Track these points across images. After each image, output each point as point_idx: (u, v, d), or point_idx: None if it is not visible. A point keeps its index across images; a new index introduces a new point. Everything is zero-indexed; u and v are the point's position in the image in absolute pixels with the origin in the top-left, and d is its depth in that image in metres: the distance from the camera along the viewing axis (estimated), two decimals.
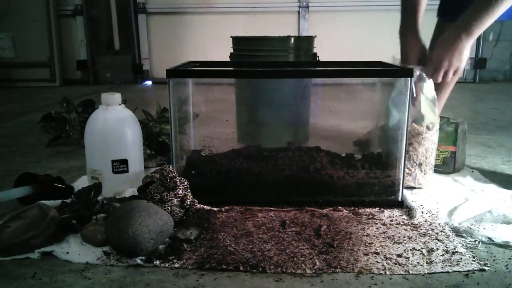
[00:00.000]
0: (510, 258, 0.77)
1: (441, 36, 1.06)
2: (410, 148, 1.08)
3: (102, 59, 3.45)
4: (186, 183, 0.93)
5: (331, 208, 0.98)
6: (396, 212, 0.97)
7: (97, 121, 1.05)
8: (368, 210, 0.97)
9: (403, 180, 0.99)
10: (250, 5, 3.31)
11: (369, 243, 0.82)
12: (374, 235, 0.85)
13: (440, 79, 1.06)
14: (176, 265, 0.75)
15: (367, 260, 0.76)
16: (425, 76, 1.06)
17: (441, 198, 1.03)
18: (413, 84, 1.03)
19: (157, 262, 0.75)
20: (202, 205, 0.97)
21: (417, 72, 1.05)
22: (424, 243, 0.82)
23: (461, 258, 0.77)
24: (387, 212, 0.96)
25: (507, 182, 1.13)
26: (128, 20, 3.38)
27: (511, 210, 0.94)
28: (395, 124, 1.03)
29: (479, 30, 1.02)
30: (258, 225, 0.89)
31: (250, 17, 3.34)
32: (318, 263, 0.75)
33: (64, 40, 3.40)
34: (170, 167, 0.89)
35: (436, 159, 1.13)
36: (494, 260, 0.77)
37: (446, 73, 1.05)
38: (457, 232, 0.87)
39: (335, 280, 0.71)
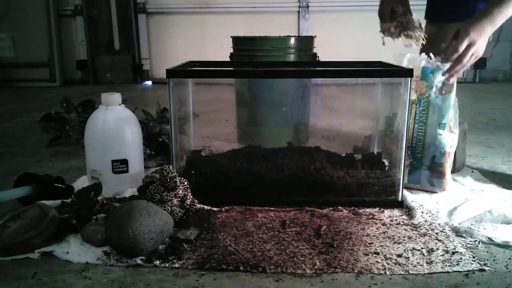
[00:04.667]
0: (510, 258, 0.77)
1: (468, 21, 1.02)
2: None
3: (102, 59, 3.45)
4: (186, 183, 0.93)
5: (331, 208, 0.98)
6: (396, 212, 0.97)
7: (97, 121, 1.05)
8: (368, 210, 0.97)
9: (403, 180, 0.99)
10: (250, 5, 3.31)
11: (369, 243, 0.82)
12: (374, 235, 0.85)
13: (460, 51, 1.00)
14: (176, 265, 0.75)
15: (367, 260, 0.76)
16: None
17: (441, 198, 1.02)
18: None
19: (157, 262, 0.75)
20: (202, 205, 0.97)
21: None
22: (424, 243, 0.82)
23: (461, 258, 0.77)
24: (387, 212, 0.96)
25: (507, 182, 1.13)
26: (128, 20, 3.38)
27: (511, 210, 0.94)
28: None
29: (502, 19, 1.01)
30: (258, 225, 0.89)
31: (250, 17, 3.34)
32: (318, 263, 0.75)
33: (64, 40, 3.40)
34: (170, 167, 0.89)
35: None
36: (494, 260, 0.77)
37: (465, 52, 1.01)
38: (457, 232, 0.87)
39: (335, 280, 0.71)
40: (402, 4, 1.14)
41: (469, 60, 1.03)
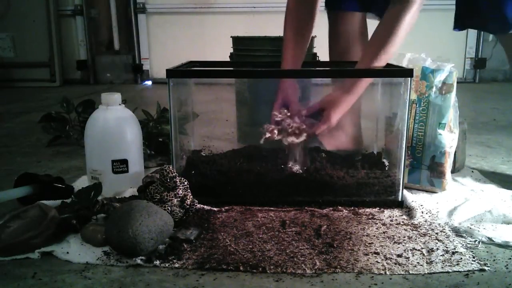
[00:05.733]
0: (510, 258, 0.77)
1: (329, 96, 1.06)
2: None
3: (102, 59, 3.45)
4: (186, 183, 0.93)
5: (331, 208, 0.98)
6: (396, 212, 0.97)
7: (97, 121, 1.05)
8: (368, 210, 0.97)
9: (403, 180, 0.99)
10: (250, 5, 3.31)
11: (369, 243, 0.82)
12: (374, 235, 0.85)
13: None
14: (176, 265, 0.75)
15: (367, 260, 0.76)
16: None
17: (441, 198, 1.02)
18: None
19: (157, 262, 0.75)
20: (202, 205, 0.97)
21: None
22: (424, 243, 0.82)
23: (461, 258, 0.77)
24: (387, 212, 0.96)
25: (507, 182, 1.13)
26: (128, 20, 3.38)
27: (511, 210, 0.94)
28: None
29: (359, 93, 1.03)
30: (258, 225, 0.89)
31: (250, 17, 3.34)
32: (318, 263, 0.75)
33: (64, 40, 3.40)
34: (170, 167, 0.89)
35: None
36: (494, 260, 0.77)
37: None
38: (457, 232, 0.87)
39: (335, 280, 0.71)
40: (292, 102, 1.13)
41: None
